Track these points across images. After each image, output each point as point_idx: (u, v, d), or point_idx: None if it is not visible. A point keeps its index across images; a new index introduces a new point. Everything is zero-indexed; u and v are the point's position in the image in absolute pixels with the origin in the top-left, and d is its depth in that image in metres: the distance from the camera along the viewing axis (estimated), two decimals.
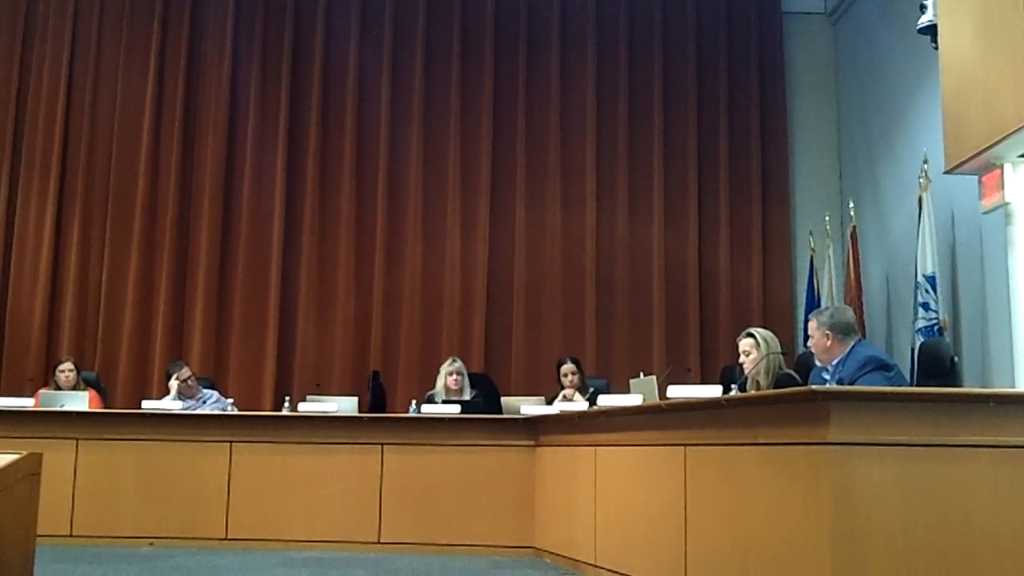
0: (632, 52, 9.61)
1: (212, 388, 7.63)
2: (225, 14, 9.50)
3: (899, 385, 4.57)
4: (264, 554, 6.12)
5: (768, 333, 5.60)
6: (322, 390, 8.25)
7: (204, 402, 7.28)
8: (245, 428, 6.75)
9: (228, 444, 6.67)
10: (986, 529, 3.40)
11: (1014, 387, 5.59)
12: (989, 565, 3.38)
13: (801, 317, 8.78)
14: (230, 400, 7.38)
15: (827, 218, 8.73)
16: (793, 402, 3.78)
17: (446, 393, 7.25)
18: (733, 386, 5.23)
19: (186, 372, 7.30)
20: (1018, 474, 3.46)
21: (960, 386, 5.12)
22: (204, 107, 9.43)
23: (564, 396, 7.01)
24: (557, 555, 5.98)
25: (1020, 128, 5.26)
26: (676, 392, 4.76)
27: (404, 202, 9.37)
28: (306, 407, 6.92)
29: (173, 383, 7.21)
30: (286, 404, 7.19)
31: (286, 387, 8.80)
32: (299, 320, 9.19)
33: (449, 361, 7.45)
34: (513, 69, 9.57)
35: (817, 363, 5.05)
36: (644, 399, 5.21)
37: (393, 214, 9.35)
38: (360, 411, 7.16)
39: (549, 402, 6.95)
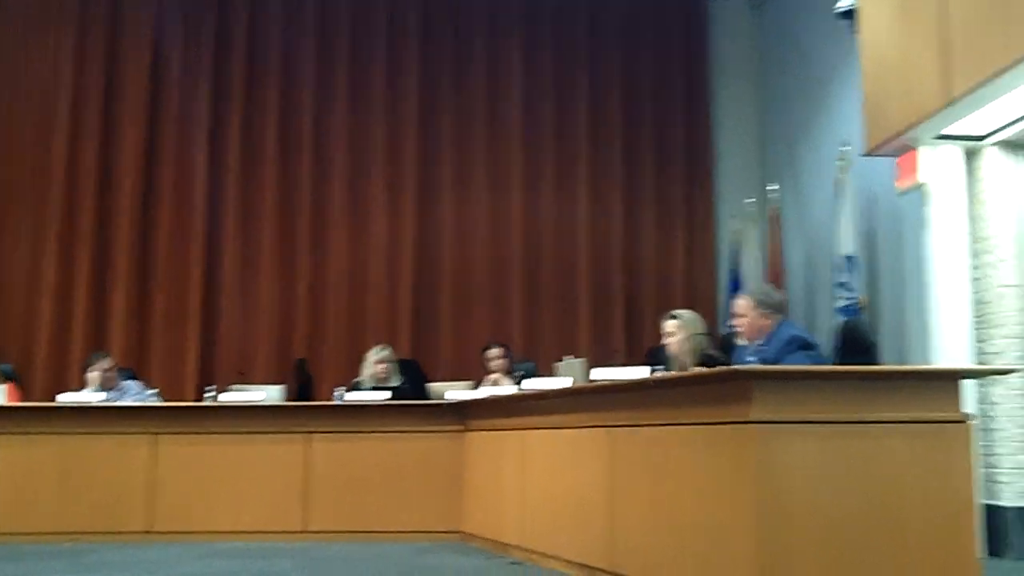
0: (558, 35, 9.62)
1: (134, 379, 7.48)
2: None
3: (821, 364, 4.64)
4: (189, 546, 6.02)
5: (692, 314, 5.65)
6: (247, 379, 8.14)
7: (125, 393, 7.14)
8: (168, 419, 6.62)
9: (151, 436, 6.54)
10: (906, 502, 3.48)
11: (930, 364, 5.72)
12: (910, 537, 3.46)
13: (723, 299, 8.89)
14: (152, 391, 7.25)
15: (749, 201, 8.85)
16: (717, 382, 3.82)
17: (373, 380, 7.20)
18: (659, 367, 5.27)
19: (106, 363, 7.14)
20: (935, 448, 3.55)
21: (879, 364, 5.21)
22: (124, 91, 9.20)
23: (492, 381, 7.02)
24: (485, 539, 5.98)
25: (937, 111, 5.38)
26: (601, 374, 4.78)
27: (329, 187, 9.28)
28: (231, 396, 6.82)
29: (93, 374, 7.05)
30: (210, 394, 7.07)
31: (210, 376, 8.66)
32: (222, 308, 9.05)
33: (376, 348, 7.40)
34: (439, 53, 9.52)
35: (740, 342, 5.11)
36: (572, 381, 5.23)
37: (318, 199, 9.25)
38: (286, 399, 7.09)
39: (476, 387, 6.94)
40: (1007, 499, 5.50)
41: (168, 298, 8.99)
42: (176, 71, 9.24)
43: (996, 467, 5.57)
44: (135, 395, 7.14)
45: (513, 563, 5.28)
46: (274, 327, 9.05)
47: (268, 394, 7.00)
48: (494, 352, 7.23)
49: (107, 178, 9.10)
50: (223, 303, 9.05)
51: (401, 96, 9.42)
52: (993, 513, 5.46)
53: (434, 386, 7.04)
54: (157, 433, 6.54)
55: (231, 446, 6.56)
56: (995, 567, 5.03)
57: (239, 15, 9.36)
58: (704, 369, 3.96)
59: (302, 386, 7.68)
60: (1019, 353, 5.58)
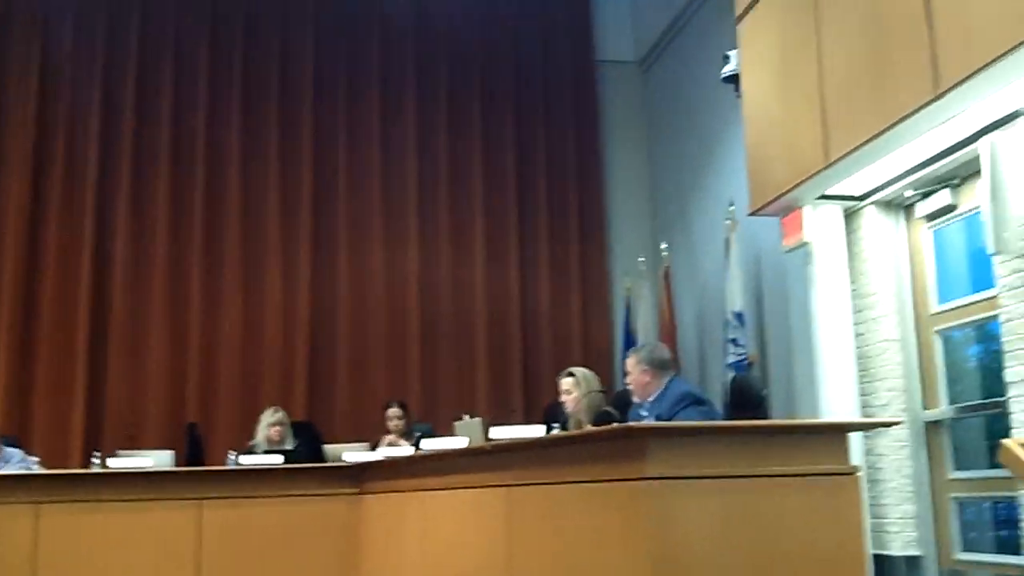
0: (452, 97, 9.73)
1: (16, 446, 7.20)
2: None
3: (713, 419, 4.73)
4: None
5: (587, 371, 5.72)
6: (136, 444, 7.91)
7: (7, 462, 6.86)
8: (52, 487, 6.37)
9: (34, 506, 6.29)
10: (799, 553, 3.54)
11: (819, 417, 5.88)
12: None
13: (619, 355, 9.01)
14: (35, 458, 6.99)
15: (641, 259, 9.02)
16: (612, 439, 3.85)
17: (267, 443, 7.08)
18: (556, 425, 5.31)
19: None
20: (825, 500, 3.63)
21: (769, 418, 5.34)
22: (7, 138, 8.93)
23: (389, 442, 6.96)
24: None
25: (817, 172, 5.60)
26: (500, 433, 4.78)
27: (221, 245, 9.14)
28: (118, 462, 6.62)
29: None
30: (96, 460, 6.84)
31: (96, 442, 8.37)
32: (109, 372, 8.79)
33: (271, 411, 7.29)
34: (333, 111, 9.51)
35: (635, 399, 5.18)
36: (469, 441, 5.22)
37: (210, 259, 9.10)
38: (177, 464, 6.91)
39: (374, 447, 6.88)
40: (895, 548, 5.66)
41: (51, 362, 8.69)
42: (63, 125, 9.03)
43: (884, 517, 5.73)
44: (18, 463, 6.87)
45: None
46: (164, 390, 8.82)
47: (158, 459, 6.80)
48: (393, 411, 7.19)
49: None
50: (111, 365, 8.79)
51: (295, 153, 9.36)
52: (882, 562, 5.60)
53: (330, 448, 6.93)
54: (40, 502, 6.29)
55: (119, 514, 6.34)
56: None
57: (129, 68, 9.20)
58: (601, 427, 4.00)
59: (193, 450, 7.48)
60: (902, 405, 5.77)
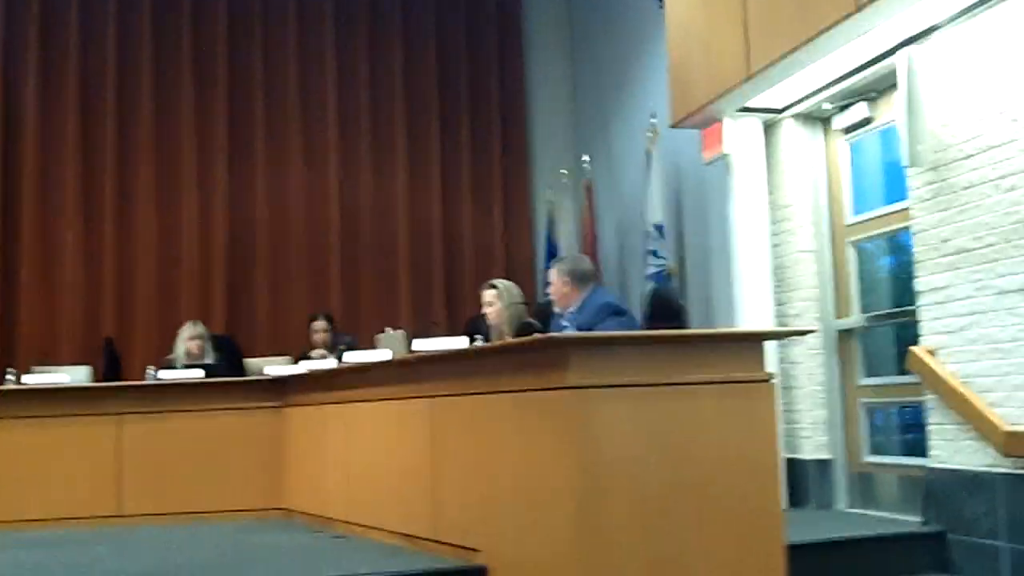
0: (373, 9, 9.50)
1: None
2: None
3: (633, 329, 4.80)
4: None
5: (510, 284, 5.74)
6: (51, 360, 7.78)
7: None
8: None
9: None
10: (711, 458, 3.66)
11: (735, 327, 6.00)
12: (720, 490, 3.64)
13: (541, 268, 9.05)
14: None
15: (563, 171, 9.02)
16: (534, 350, 3.90)
17: (187, 358, 7.02)
18: (479, 337, 5.34)
19: None
20: (740, 406, 3.74)
21: (688, 328, 5.43)
22: None
23: (319, 355, 6.94)
24: (308, 514, 5.94)
25: (738, 85, 5.63)
26: (423, 345, 4.80)
27: (134, 159, 8.89)
28: (33, 379, 6.51)
29: None
30: (11, 376, 6.72)
31: (9, 358, 8.21)
32: (21, 287, 8.58)
33: (189, 324, 7.20)
34: (248, 25, 9.23)
35: (556, 311, 5.23)
36: (392, 354, 5.23)
37: (123, 172, 8.85)
38: (94, 380, 6.82)
39: (296, 361, 6.86)
40: (807, 452, 5.84)
41: None
42: None
43: (796, 423, 5.91)
44: None
45: (337, 537, 5.26)
46: (78, 305, 8.64)
47: (74, 375, 6.72)
48: (319, 324, 7.17)
49: None
50: (22, 280, 8.58)
51: (210, 66, 9.10)
52: (794, 466, 5.79)
53: (251, 362, 6.91)
54: None
55: (36, 431, 6.28)
56: (797, 516, 5.34)
57: None
58: (524, 338, 4.04)
59: (110, 366, 7.38)
60: (816, 314, 5.92)
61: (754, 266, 6.08)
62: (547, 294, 5.49)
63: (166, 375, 6.61)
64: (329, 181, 9.20)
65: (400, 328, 5.78)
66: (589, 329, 4.69)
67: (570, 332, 4.74)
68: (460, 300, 9.20)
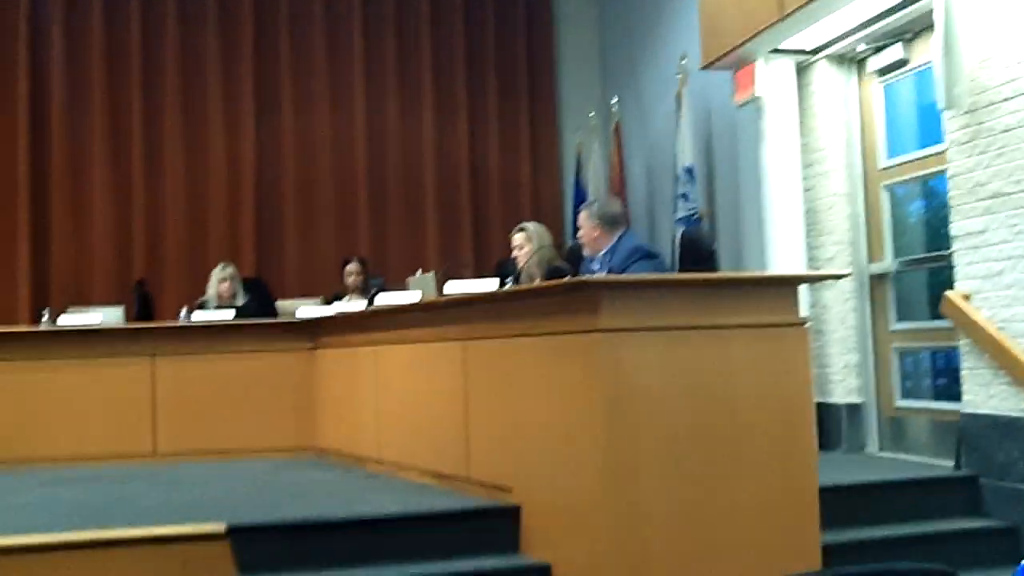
0: None
1: None
2: None
3: (664, 272, 4.79)
4: (30, 474, 5.84)
5: (540, 227, 5.74)
6: (84, 301, 7.86)
7: None
8: (1, 345, 6.36)
9: None
10: (743, 402, 3.67)
11: (767, 271, 5.98)
12: (752, 435, 3.65)
13: (569, 211, 9.03)
14: None
15: (592, 114, 8.96)
16: (566, 293, 3.90)
17: (218, 299, 7.07)
18: (508, 280, 5.35)
19: None
20: (771, 351, 3.73)
21: (718, 271, 5.42)
22: None
23: (351, 297, 6.99)
24: (340, 453, 6.02)
25: (771, 24, 5.55)
26: (453, 288, 4.82)
27: (162, 102, 8.92)
28: (68, 319, 6.59)
29: None
30: (45, 317, 6.80)
31: (43, 299, 8.31)
32: (53, 230, 8.66)
33: (220, 266, 7.24)
34: None
35: (586, 254, 5.22)
36: (422, 296, 5.25)
37: (151, 114, 8.88)
38: (126, 321, 6.89)
39: (326, 303, 6.90)
40: (838, 396, 5.85)
41: None
42: None
43: (828, 367, 5.90)
44: None
45: (369, 475, 5.33)
46: (109, 248, 8.73)
47: (107, 316, 6.78)
48: (352, 267, 7.20)
49: None
50: (54, 223, 8.66)
51: (235, 9, 9.07)
52: (824, 410, 5.79)
53: (283, 303, 6.95)
54: None
55: (71, 371, 6.36)
56: (827, 460, 5.34)
57: None
58: (556, 281, 4.04)
59: (142, 307, 7.46)
60: (848, 258, 5.88)
61: (786, 210, 6.04)
62: (576, 237, 5.48)
63: (198, 316, 6.67)
64: (356, 123, 9.18)
65: (428, 270, 5.81)
66: (620, 272, 4.68)
67: (601, 275, 4.73)
68: (487, 242, 9.21)
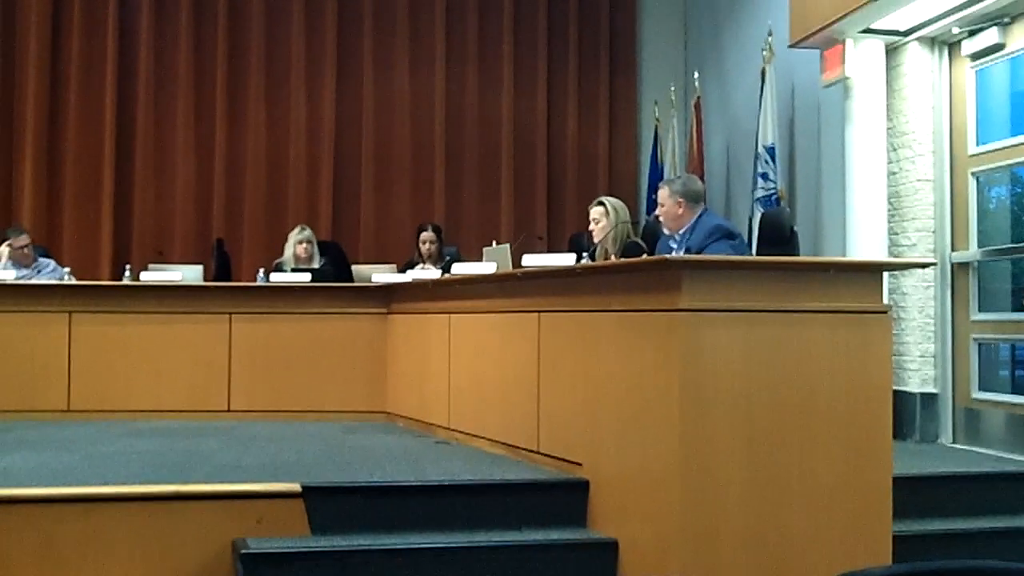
0: None
1: (47, 256, 7.31)
2: None
3: (743, 253, 4.75)
4: (110, 425, 6.00)
5: (618, 202, 5.71)
6: (163, 259, 8.01)
7: (40, 271, 6.98)
8: (85, 298, 6.52)
9: (67, 314, 6.44)
10: (821, 387, 3.63)
11: (845, 255, 5.90)
12: (827, 417, 3.61)
13: (645, 186, 8.98)
14: (67, 269, 7.09)
15: (672, 89, 8.87)
16: (646, 270, 3.89)
17: (295, 261, 7.16)
18: (583, 255, 5.34)
19: (24, 239, 6.94)
20: (852, 337, 3.68)
21: (798, 254, 5.35)
22: None
23: (424, 265, 7.03)
24: (410, 419, 6.08)
25: (864, 4, 5.44)
26: (530, 260, 4.83)
27: (245, 64, 9.03)
28: (149, 276, 6.72)
29: (3, 249, 6.86)
30: (127, 273, 6.95)
31: (125, 255, 8.50)
32: (135, 187, 8.83)
33: (298, 229, 7.33)
34: None
35: (665, 231, 5.19)
36: (497, 267, 5.27)
37: (234, 76, 9.00)
38: (204, 279, 7.02)
39: (401, 270, 6.95)
40: (913, 385, 5.76)
41: (79, 174, 8.73)
42: None
43: (904, 355, 5.82)
44: (50, 273, 6.99)
45: (439, 442, 5.38)
46: (190, 206, 8.88)
47: (187, 274, 6.90)
48: (427, 235, 7.23)
49: (10, 50, 8.70)
50: (136, 181, 8.83)
51: None
52: (899, 399, 5.71)
53: (359, 268, 7.01)
54: (73, 312, 6.44)
55: (150, 326, 6.50)
56: (900, 449, 5.27)
57: None
58: (636, 258, 4.03)
59: (221, 267, 7.58)
60: (931, 246, 5.78)
61: (869, 194, 5.93)
62: (654, 215, 5.44)
63: (276, 277, 6.76)
64: (435, 91, 9.21)
65: (500, 241, 5.83)
66: (699, 251, 4.65)
67: (683, 255, 4.70)
68: (561, 216, 9.20)
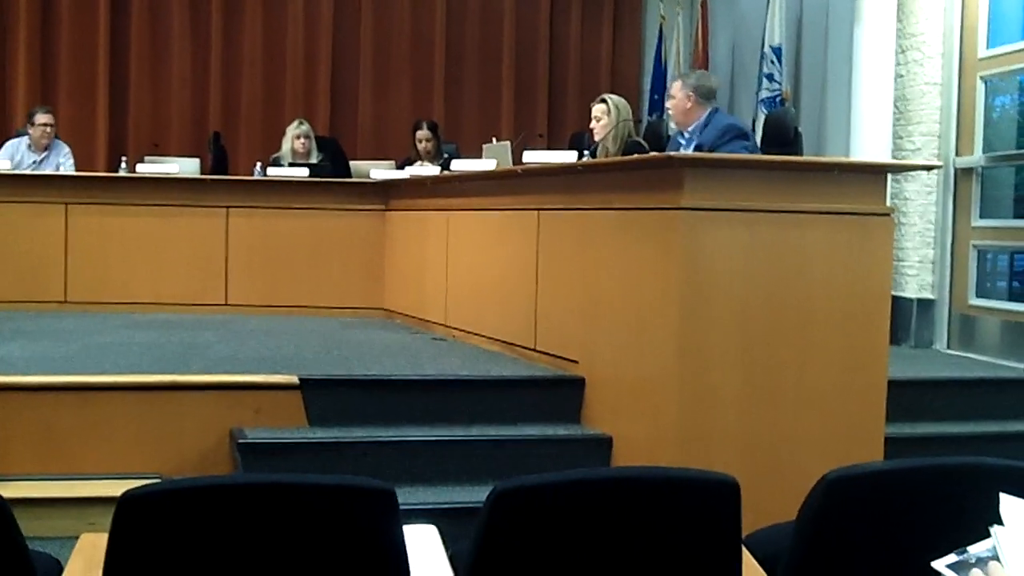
0: None
1: None
2: None
3: (756, 154, 4.69)
4: (108, 316, 6.01)
5: (621, 100, 5.62)
6: (160, 152, 7.93)
7: (57, 152, 6.89)
8: (81, 189, 6.47)
9: (64, 206, 6.40)
10: (821, 289, 3.62)
11: (849, 157, 5.84)
12: (825, 319, 3.61)
13: (648, 86, 8.86)
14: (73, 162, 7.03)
15: None
16: (649, 168, 3.85)
17: (293, 156, 7.08)
18: (585, 153, 5.29)
19: (46, 118, 6.83)
20: (853, 240, 3.66)
21: (801, 155, 5.29)
22: None
23: (421, 163, 6.96)
24: (407, 316, 6.09)
25: None
26: (531, 158, 4.78)
27: None
28: (145, 168, 6.66)
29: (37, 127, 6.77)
30: (122, 166, 6.88)
31: (121, 147, 8.40)
32: (131, 79, 8.68)
33: (296, 123, 7.23)
34: None
35: (673, 126, 5.12)
36: (497, 164, 5.22)
37: None
38: (201, 173, 6.96)
39: (399, 166, 6.88)
40: (910, 291, 5.77)
41: (73, 66, 8.56)
42: None
43: (903, 260, 5.81)
44: (64, 157, 6.90)
45: (436, 339, 5.40)
46: (186, 99, 8.74)
47: (184, 167, 6.83)
48: (423, 133, 7.13)
49: None
50: (132, 71, 8.67)
51: None
52: (895, 303, 5.70)
53: (357, 164, 6.94)
54: (69, 203, 6.40)
55: (147, 218, 6.46)
56: (894, 354, 5.27)
57: None
58: (639, 155, 3.98)
59: (218, 160, 7.50)
60: (935, 151, 5.72)
61: (875, 96, 5.85)
62: (652, 115, 5.37)
63: (273, 172, 6.70)
64: None
65: (502, 139, 5.76)
66: (712, 150, 4.58)
67: (688, 152, 4.65)
68: (562, 115, 9.08)
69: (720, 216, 3.57)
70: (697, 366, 3.54)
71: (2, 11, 8.46)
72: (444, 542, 2.20)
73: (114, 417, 3.93)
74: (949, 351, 5.66)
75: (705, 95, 4.90)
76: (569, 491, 1.79)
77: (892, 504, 1.93)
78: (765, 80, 6.90)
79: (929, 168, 4.66)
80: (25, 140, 6.83)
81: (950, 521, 1.92)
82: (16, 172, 6.54)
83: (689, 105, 4.89)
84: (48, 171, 6.74)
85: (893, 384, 3.81)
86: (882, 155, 5.73)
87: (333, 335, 5.51)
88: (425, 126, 7.22)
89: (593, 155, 5.33)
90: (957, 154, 5.72)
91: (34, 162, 6.79)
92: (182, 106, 8.71)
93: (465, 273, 5.37)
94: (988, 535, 1.33)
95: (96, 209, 6.43)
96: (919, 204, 5.76)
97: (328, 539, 1.68)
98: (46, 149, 6.84)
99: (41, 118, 6.82)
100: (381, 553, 1.71)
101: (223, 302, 6.47)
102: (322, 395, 4.04)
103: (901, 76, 5.89)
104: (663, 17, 8.71)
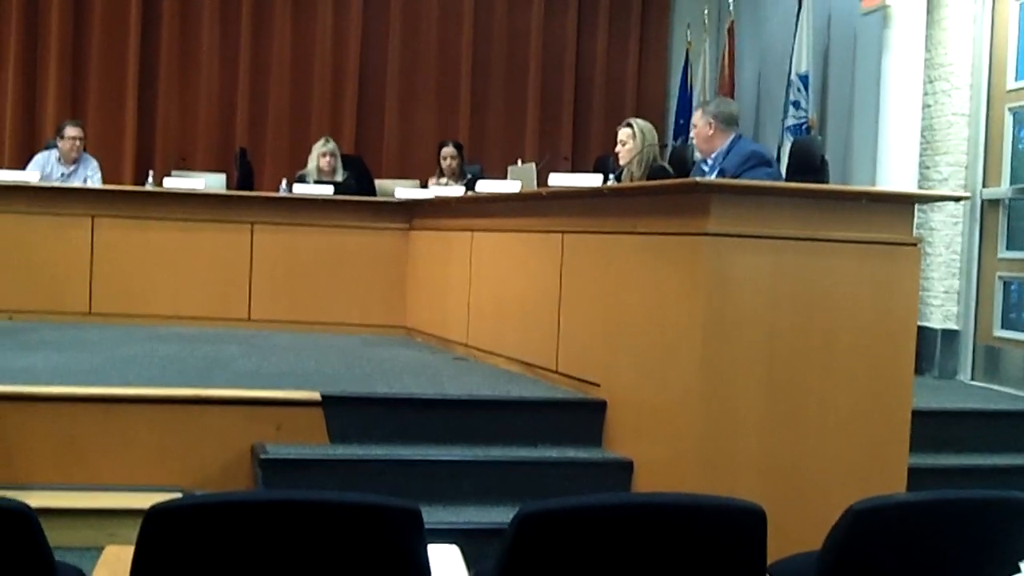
0: None
1: None
2: None
3: (778, 181, 4.69)
4: (131, 329, 6.05)
5: (647, 124, 5.63)
6: (186, 166, 7.99)
7: (85, 165, 6.95)
8: (108, 202, 6.52)
9: (90, 218, 6.45)
10: (846, 318, 3.60)
11: (875, 186, 5.83)
12: (850, 348, 3.59)
13: (673, 111, 8.86)
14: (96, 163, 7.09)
15: (705, 11, 8.71)
16: (675, 193, 3.85)
17: (318, 174, 7.12)
18: (610, 177, 5.29)
19: (75, 131, 6.89)
20: (880, 269, 3.65)
21: (827, 184, 5.28)
22: None
23: (444, 182, 6.99)
24: (429, 335, 6.10)
25: None
26: (556, 180, 4.79)
27: None
28: (172, 182, 6.71)
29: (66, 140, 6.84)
30: (149, 179, 6.93)
31: (148, 161, 8.46)
32: (160, 93, 8.76)
33: (322, 141, 7.28)
34: None
35: (697, 154, 5.12)
36: (522, 186, 5.23)
37: None
38: (228, 189, 7.00)
39: (423, 185, 6.91)
40: (935, 321, 5.74)
41: (102, 78, 8.65)
42: None
43: (928, 290, 5.78)
44: (92, 171, 6.96)
45: (457, 358, 5.40)
46: (213, 114, 8.81)
47: (210, 182, 6.89)
48: (448, 151, 7.16)
49: None
50: (161, 87, 8.75)
51: None
52: (920, 334, 5.66)
53: (382, 183, 6.98)
54: (96, 216, 6.45)
55: (173, 232, 6.51)
56: (918, 384, 5.24)
57: None
58: (664, 180, 3.98)
59: (244, 176, 7.55)
60: (962, 181, 5.70)
61: (902, 125, 5.84)
62: (676, 141, 5.37)
63: (298, 189, 6.74)
64: (463, 5, 9.04)
65: (526, 160, 5.77)
66: (735, 177, 4.58)
67: (714, 178, 4.64)
68: (587, 137, 9.11)
69: (746, 243, 3.56)
70: (720, 391, 3.53)
71: (35, 24, 8.55)
72: (466, 562, 2.20)
73: (136, 429, 3.94)
74: (973, 382, 5.62)
75: (726, 121, 4.90)
76: (595, 515, 1.79)
77: (919, 536, 1.92)
78: (792, 108, 6.89)
79: (958, 199, 4.65)
80: (55, 153, 6.91)
81: (979, 555, 1.91)
82: (44, 184, 6.60)
83: (711, 132, 4.89)
84: (76, 184, 6.80)
85: (916, 414, 3.78)
86: (908, 185, 5.71)
87: (355, 352, 5.53)
88: (451, 144, 7.26)
89: (618, 179, 5.33)
90: (984, 185, 5.69)
91: (63, 175, 6.86)
92: (209, 121, 8.78)
93: (488, 293, 5.38)
94: (1018, 570, 1.32)
95: (122, 222, 6.48)
96: (945, 234, 5.73)
97: (355, 557, 1.69)
98: (75, 162, 6.91)
99: (70, 131, 6.89)
100: (406, 573, 1.71)
101: (246, 317, 6.50)
102: (343, 412, 4.04)
103: (928, 106, 5.88)
104: (690, 43, 8.73)
